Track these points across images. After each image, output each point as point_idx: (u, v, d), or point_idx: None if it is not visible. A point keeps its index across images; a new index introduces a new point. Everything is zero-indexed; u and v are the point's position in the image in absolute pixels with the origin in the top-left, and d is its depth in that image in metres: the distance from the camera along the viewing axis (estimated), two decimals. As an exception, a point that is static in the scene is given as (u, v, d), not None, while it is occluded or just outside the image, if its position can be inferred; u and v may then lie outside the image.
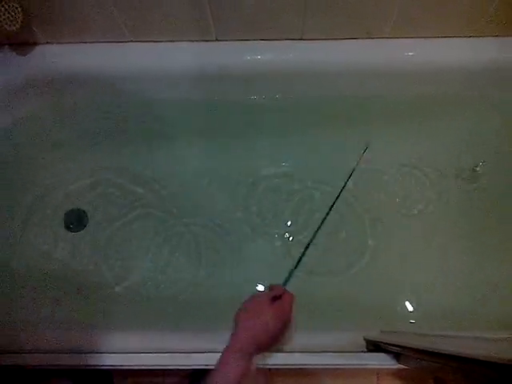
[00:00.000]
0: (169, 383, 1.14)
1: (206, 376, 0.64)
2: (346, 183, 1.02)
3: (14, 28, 0.93)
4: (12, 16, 0.91)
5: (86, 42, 1.06)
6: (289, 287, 0.86)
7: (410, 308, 1.10)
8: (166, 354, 0.82)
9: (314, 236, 1.00)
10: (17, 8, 0.92)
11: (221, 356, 0.67)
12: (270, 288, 0.83)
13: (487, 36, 1.05)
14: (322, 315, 1.03)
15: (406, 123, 1.24)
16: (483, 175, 1.23)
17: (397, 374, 1.14)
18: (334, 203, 1.02)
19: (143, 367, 0.82)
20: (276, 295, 0.77)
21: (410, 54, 1.06)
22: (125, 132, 1.26)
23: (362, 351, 0.83)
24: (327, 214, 1.02)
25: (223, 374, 0.64)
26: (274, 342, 0.73)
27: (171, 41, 1.05)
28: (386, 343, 0.78)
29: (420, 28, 1.03)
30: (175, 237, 1.21)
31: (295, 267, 0.93)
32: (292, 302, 0.77)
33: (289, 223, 1.22)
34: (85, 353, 0.82)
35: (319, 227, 1.00)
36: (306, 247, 0.98)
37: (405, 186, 1.24)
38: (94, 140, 1.26)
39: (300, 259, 0.95)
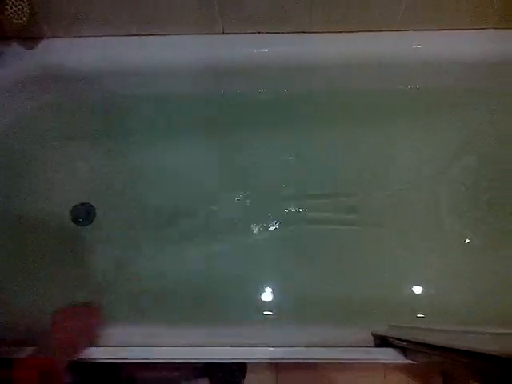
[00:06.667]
0: (173, 376, 1.14)
1: None
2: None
3: (21, 21, 0.93)
4: (19, 9, 0.91)
5: (92, 36, 1.06)
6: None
7: (419, 302, 1.10)
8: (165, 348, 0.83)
9: None
10: (24, 1, 0.92)
11: None
12: None
13: (495, 28, 1.03)
14: (330, 310, 1.02)
15: (411, 116, 1.23)
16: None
17: (404, 368, 1.15)
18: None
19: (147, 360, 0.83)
20: None
21: (417, 46, 1.05)
22: (132, 127, 1.25)
23: (370, 346, 0.83)
24: None
25: None
26: None
27: (178, 34, 1.05)
28: (394, 338, 0.78)
29: (428, 21, 1.01)
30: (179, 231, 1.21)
31: None
32: None
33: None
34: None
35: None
36: None
37: (406, 185, 1.23)
38: (99, 135, 1.26)
39: None
